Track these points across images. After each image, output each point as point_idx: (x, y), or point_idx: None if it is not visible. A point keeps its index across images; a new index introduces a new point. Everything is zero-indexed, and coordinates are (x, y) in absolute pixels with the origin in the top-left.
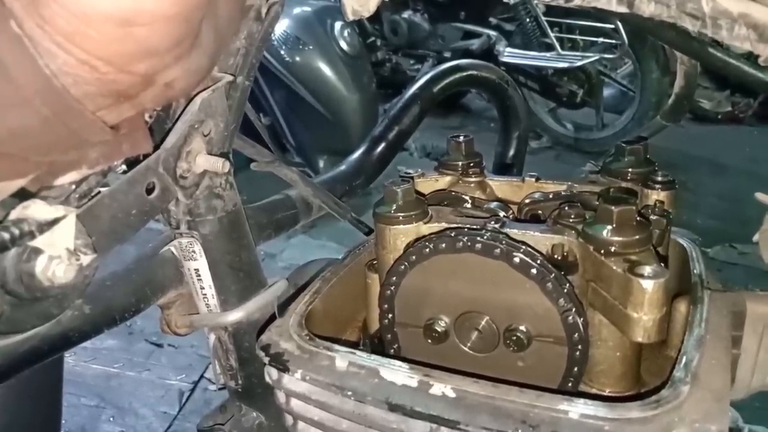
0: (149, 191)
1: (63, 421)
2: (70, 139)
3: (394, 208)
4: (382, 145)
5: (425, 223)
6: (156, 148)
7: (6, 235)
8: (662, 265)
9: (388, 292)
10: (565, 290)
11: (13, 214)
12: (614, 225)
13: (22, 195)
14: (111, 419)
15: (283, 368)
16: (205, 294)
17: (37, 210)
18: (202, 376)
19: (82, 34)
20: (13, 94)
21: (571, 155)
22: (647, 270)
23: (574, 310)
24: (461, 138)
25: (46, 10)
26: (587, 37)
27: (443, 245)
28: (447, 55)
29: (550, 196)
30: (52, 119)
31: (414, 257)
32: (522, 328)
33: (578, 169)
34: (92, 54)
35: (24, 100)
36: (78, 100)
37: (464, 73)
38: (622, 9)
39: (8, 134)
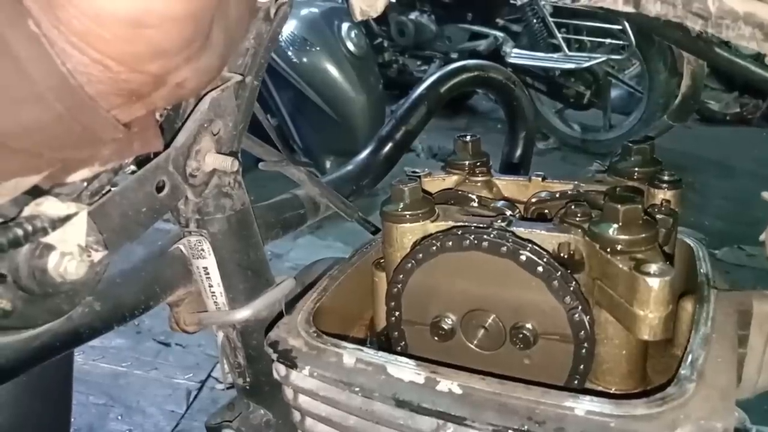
0: (159, 189)
1: (72, 419)
2: (83, 135)
3: (402, 206)
4: (389, 145)
5: (432, 222)
6: (166, 146)
7: (19, 232)
8: (668, 263)
9: (395, 290)
10: (572, 288)
11: (27, 211)
12: (620, 223)
13: (35, 192)
14: (119, 418)
15: (291, 365)
16: (214, 292)
17: (49, 207)
18: (209, 375)
19: (95, 34)
20: (28, 90)
21: (578, 156)
22: (653, 268)
23: (580, 308)
24: (468, 137)
25: (61, 11)
26: (594, 38)
27: (450, 243)
28: (454, 56)
29: (557, 195)
30: (66, 116)
31: (421, 255)
32: (528, 325)
33: (584, 170)
34: (105, 54)
35: (38, 96)
36: (92, 98)
37: (471, 74)
38: (629, 9)
39: (23, 130)
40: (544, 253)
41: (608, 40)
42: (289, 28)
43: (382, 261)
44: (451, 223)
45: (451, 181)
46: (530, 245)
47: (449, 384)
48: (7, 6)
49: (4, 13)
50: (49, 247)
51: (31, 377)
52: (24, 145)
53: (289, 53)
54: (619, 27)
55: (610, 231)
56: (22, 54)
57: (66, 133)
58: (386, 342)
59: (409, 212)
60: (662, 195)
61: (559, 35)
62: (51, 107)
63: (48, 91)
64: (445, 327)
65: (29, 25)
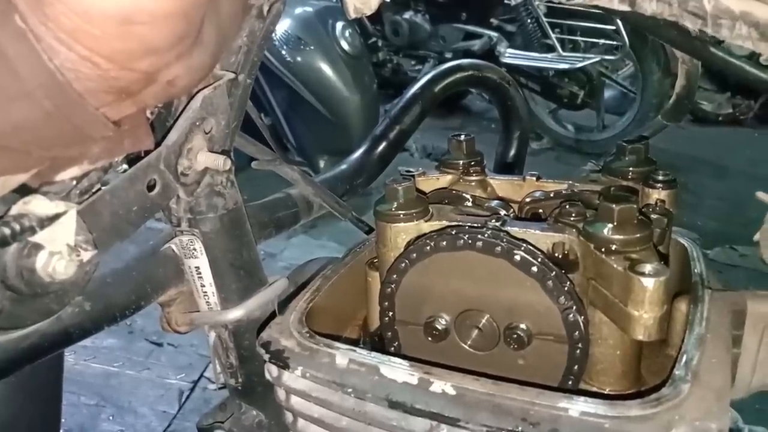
0: (150, 188)
1: (62, 420)
2: (73, 133)
3: (395, 205)
4: (383, 144)
5: (426, 221)
6: (157, 144)
7: (7, 231)
8: (663, 263)
9: (389, 289)
10: (566, 288)
11: (14, 210)
12: (615, 223)
13: (23, 190)
14: (110, 418)
15: (284, 365)
16: (206, 292)
17: (38, 205)
18: (201, 376)
19: (84, 31)
20: (16, 88)
21: (571, 156)
22: (648, 268)
23: (574, 308)
24: (462, 137)
25: (49, 8)
26: (588, 38)
27: (444, 243)
28: (448, 55)
29: (551, 195)
30: (55, 113)
31: (415, 255)
32: (522, 326)
33: (579, 170)
34: (94, 51)
35: (27, 94)
36: (81, 95)
37: (465, 73)
38: (624, 8)
39: (11, 127)
40: (539, 253)
41: (602, 41)
42: (283, 26)
43: (375, 261)
44: (445, 223)
45: (445, 180)
46: (524, 245)
47: (443, 385)
48: None
49: None
50: (38, 247)
51: (21, 377)
52: (12, 142)
53: (283, 52)
54: (613, 27)
55: (605, 231)
56: (9, 50)
57: (55, 130)
58: (379, 342)
59: (403, 212)
60: (657, 195)
61: (553, 35)
62: (39, 105)
63: (36, 89)
64: (439, 327)
65: (16, 20)
